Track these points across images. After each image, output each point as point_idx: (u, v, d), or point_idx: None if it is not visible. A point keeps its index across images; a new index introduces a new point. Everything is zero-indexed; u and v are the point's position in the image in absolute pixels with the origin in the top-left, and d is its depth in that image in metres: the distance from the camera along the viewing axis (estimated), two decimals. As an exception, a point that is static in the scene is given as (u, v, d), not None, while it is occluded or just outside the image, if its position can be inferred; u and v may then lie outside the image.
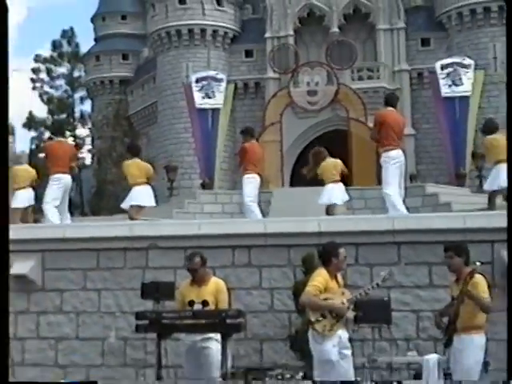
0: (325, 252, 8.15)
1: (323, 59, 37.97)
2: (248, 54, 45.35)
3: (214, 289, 8.82)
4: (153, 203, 13.48)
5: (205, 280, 8.87)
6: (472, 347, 7.86)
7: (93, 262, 10.75)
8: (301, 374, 9.34)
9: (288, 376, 9.34)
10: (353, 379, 8.27)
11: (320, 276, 8.11)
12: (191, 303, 8.66)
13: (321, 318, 7.99)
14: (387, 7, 42.97)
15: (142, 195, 13.27)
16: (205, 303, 8.51)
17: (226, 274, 9.38)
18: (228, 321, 8.43)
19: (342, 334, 8.07)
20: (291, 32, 43.65)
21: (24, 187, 13.77)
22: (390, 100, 12.30)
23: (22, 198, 13.66)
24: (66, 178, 13.26)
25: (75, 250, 10.81)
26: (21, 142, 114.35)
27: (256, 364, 10.00)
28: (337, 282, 8.13)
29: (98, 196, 48.50)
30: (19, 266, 10.74)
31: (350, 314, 8.11)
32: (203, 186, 28.91)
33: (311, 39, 44.34)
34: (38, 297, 10.81)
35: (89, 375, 10.50)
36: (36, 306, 10.79)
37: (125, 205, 13.41)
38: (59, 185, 13.06)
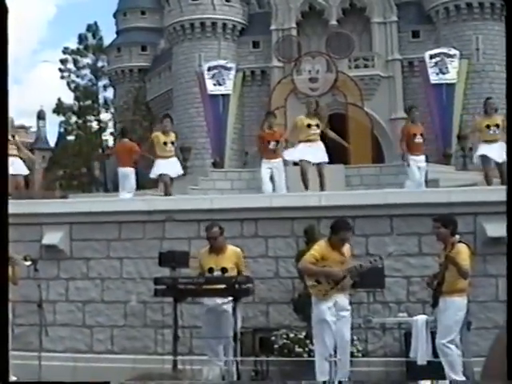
0: (331, 226, 8.23)
1: (323, 49, 37.89)
2: (255, 44, 45.18)
3: (233, 256, 8.85)
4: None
5: (222, 248, 8.89)
6: (453, 308, 7.91)
7: (115, 233, 10.78)
8: (303, 333, 9.38)
9: (292, 335, 9.39)
10: (348, 338, 8.32)
11: (318, 246, 8.19)
12: (211, 270, 8.69)
13: (316, 283, 8.04)
14: (380, 2, 42.74)
15: None
16: (224, 270, 8.53)
17: (236, 244, 9.38)
18: (237, 286, 8.47)
19: (339, 298, 8.11)
20: (294, 25, 43.43)
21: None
22: None
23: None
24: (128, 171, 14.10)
25: (99, 223, 10.84)
26: (51, 125, 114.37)
27: (263, 325, 10.05)
28: (340, 253, 8.15)
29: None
30: (50, 237, 10.79)
31: (348, 281, 8.15)
32: (214, 165, 28.88)
33: (312, 31, 44.09)
34: (66, 264, 10.85)
35: (113, 334, 10.56)
36: (65, 272, 10.83)
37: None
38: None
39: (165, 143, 13.16)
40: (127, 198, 13.30)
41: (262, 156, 13.80)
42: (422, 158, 14.07)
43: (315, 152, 12.83)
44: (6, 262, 0.94)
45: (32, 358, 9.11)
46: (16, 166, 12.93)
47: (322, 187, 12.64)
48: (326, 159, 13.08)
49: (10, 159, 12.94)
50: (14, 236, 10.33)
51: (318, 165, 12.98)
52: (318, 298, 8.06)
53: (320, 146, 12.93)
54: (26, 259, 9.48)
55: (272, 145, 13.48)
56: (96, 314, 10.66)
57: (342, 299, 8.19)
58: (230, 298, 8.52)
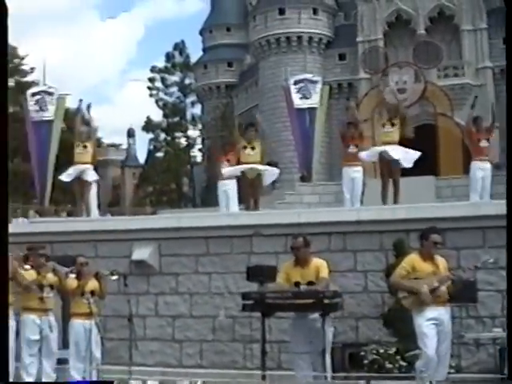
0: (420, 235, 8.06)
1: (411, 59, 37.47)
2: (341, 57, 45.13)
3: (317, 268, 8.75)
4: None
5: (307, 260, 8.80)
6: None
7: (203, 249, 10.89)
8: (393, 349, 9.23)
9: (382, 351, 9.26)
10: (444, 353, 8.05)
11: (408, 258, 8.05)
12: (297, 284, 8.62)
13: (407, 295, 7.91)
14: (470, 9, 41.98)
15: None
16: (310, 284, 8.45)
17: (323, 258, 9.32)
18: (325, 301, 8.39)
19: (434, 309, 7.89)
20: (381, 35, 43.17)
21: None
22: None
23: None
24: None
25: (188, 238, 10.97)
26: (140, 143, 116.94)
27: (352, 340, 9.95)
28: (432, 263, 7.97)
29: (208, 190, 49.08)
30: (139, 253, 10.99)
31: (444, 293, 7.91)
32: (302, 179, 28.83)
33: (399, 41, 43.69)
34: (156, 280, 11.02)
35: (202, 349, 10.64)
36: (154, 287, 11.00)
37: None
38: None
39: (244, 147, 13.35)
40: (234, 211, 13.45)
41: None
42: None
43: (395, 149, 12.45)
44: (6, 263, 0.95)
45: (123, 372, 9.27)
46: (89, 173, 13.37)
47: (395, 197, 12.21)
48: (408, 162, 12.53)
49: (83, 166, 13.41)
50: (104, 252, 10.64)
51: (395, 167, 12.48)
52: (412, 310, 7.93)
53: (398, 146, 12.55)
54: (112, 274, 9.67)
55: (351, 148, 13.10)
56: (185, 329, 10.78)
57: (439, 311, 7.95)
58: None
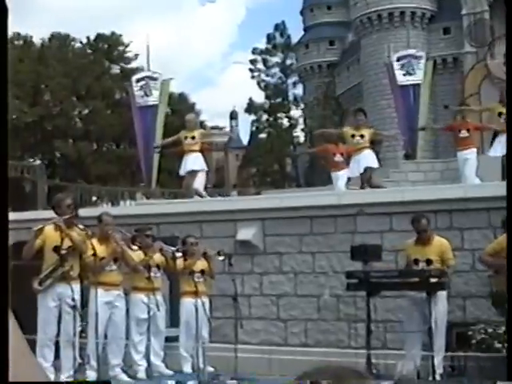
0: None
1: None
2: (445, 31, 44.07)
3: (439, 248, 8.72)
4: None
5: (430, 239, 8.79)
6: None
7: (307, 228, 10.90)
8: (503, 328, 9.00)
9: (490, 330, 9.05)
10: None
11: (502, 237, 7.90)
12: (416, 261, 8.63)
13: (492, 274, 7.82)
14: None
15: None
16: (429, 262, 8.42)
17: (444, 237, 9.19)
18: (431, 280, 8.29)
19: None
20: (486, 7, 41.88)
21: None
22: None
23: None
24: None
25: (291, 218, 11.00)
26: (243, 125, 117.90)
27: (460, 319, 9.77)
28: None
29: (311, 170, 49.07)
30: (243, 233, 11.10)
31: None
32: (406, 157, 28.44)
33: (505, 13, 42.32)
34: (260, 259, 11.12)
35: (307, 328, 10.69)
36: (259, 267, 11.10)
37: None
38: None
39: (353, 136, 13.02)
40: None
41: (455, 147, 13.84)
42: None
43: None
44: (6, 261, 0.96)
45: (228, 350, 9.43)
46: (198, 162, 13.51)
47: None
48: None
49: (194, 155, 13.56)
50: (209, 232, 10.82)
51: None
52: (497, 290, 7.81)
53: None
54: (219, 254, 9.85)
55: (462, 133, 13.42)
56: (290, 308, 10.84)
57: None
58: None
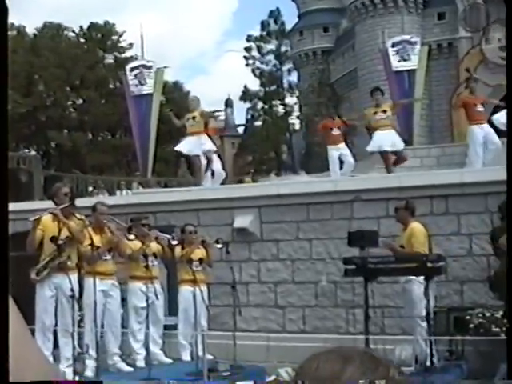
0: None
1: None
2: (440, 16, 43.89)
3: (409, 233, 8.84)
4: None
5: (406, 226, 8.92)
6: None
7: (304, 215, 10.91)
8: (500, 312, 9.04)
9: (488, 314, 9.09)
10: None
11: None
12: (402, 248, 8.83)
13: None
14: None
15: None
16: (402, 248, 8.57)
17: (426, 222, 9.21)
18: (429, 264, 8.32)
19: None
20: (481, -9, 41.75)
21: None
22: None
23: None
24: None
25: (288, 205, 11.01)
26: (238, 112, 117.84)
27: (457, 304, 9.81)
28: None
29: (307, 156, 49.07)
30: (240, 221, 11.11)
31: None
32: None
33: (501, -3, 42.23)
34: (257, 247, 11.14)
35: (304, 314, 10.72)
36: (256, 254, 11.12)
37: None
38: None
39: (375, 113, 13.32)
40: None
41: (470, 121, 13.55)
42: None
43: None
44: (6, 260, 0.96)
45: (227, 338, 9.46)
46: (203, 142, 13.46)
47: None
48: None
49: (196, 137, 13.50)
50: (206, 220, 10.82)
51: None
52: None
53: None
54: (217, 242, 9.87)
55: (479, 107, 13.30)
56: (287, 295, 10.87)
57: None
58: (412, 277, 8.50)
